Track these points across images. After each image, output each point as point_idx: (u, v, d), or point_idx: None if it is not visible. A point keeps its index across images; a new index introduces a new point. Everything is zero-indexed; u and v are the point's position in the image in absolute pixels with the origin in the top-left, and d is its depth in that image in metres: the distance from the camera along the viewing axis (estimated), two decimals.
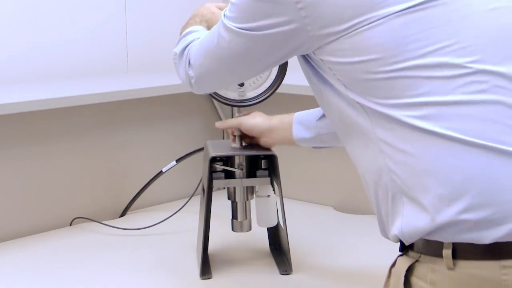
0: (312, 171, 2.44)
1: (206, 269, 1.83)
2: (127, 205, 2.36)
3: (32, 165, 2.17)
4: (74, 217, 2.24)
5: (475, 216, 1.19)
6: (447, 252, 1.21)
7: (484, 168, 1.19)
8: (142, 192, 2.36)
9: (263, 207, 1.85)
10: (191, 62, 1.50)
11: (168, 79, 2.49)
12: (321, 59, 1.30)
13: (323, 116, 1.70)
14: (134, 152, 2.41)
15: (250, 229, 1.89)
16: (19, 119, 2.11)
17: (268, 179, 1.83)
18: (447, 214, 1.20)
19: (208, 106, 2.58)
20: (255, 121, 1.81)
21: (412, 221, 1.24)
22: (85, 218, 2.24)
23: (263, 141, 1.83)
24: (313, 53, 1.31)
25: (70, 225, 2.24)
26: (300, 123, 1.76)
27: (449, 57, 1.21)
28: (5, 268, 1.91)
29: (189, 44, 1.54)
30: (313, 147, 1.80)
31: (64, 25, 2.49)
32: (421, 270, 1.25)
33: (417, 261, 1.26)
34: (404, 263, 1.28)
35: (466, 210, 1.19)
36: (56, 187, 2.23)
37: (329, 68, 1.30)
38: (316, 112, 1.73)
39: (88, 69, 2.55)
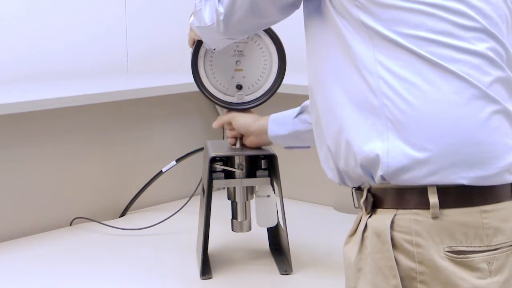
0: (312, 171, 2.43)
1: (206, 269, 1.83)
2: (127, 205, 2.36)
3: (32, 165, 2.17)
4: (74, 217, 2.24)
5: (464, 151, 1.24)
6: (434, 201, 1.25)
7: (467, 115, 1.24)
8: (142, 192, 2.36)
9: (263, 207, 1.86)
10: None
11: (168, 79, 2.49)
12: None
13: (300, 113, 1.75)
14: (134, 152, 2.41)
15: (250, 229, 1.89)
16: (19, 119, 2.10)
17: (268, 179, 1.84)
18: (436, 145, 1.24)
19: (208, 106, 2.58)
20: (246, 119, 1.83)
21: (397, 143, 1.26)
22: (85, 218, 2.24)
23: (249, 140, 1.85)
24: None
25: (70, 225, 2.24)
26: (275, 121, 1.80)
27: (469, 10, 1.28)
28: (5, 268, 1.91)
29: None
30: (285, 147, 1.82)
31: (64, 26, 2.49)
32: (402, 223, 1.27)
33: (395, 215, 1.28)
34: (382, 220, 1.29)
35: (454, 145, 1.24)
36: (56, 187, 2.23)
37: None
38: (292, 111, 1.77)
39: (88, 69, 2.55)
